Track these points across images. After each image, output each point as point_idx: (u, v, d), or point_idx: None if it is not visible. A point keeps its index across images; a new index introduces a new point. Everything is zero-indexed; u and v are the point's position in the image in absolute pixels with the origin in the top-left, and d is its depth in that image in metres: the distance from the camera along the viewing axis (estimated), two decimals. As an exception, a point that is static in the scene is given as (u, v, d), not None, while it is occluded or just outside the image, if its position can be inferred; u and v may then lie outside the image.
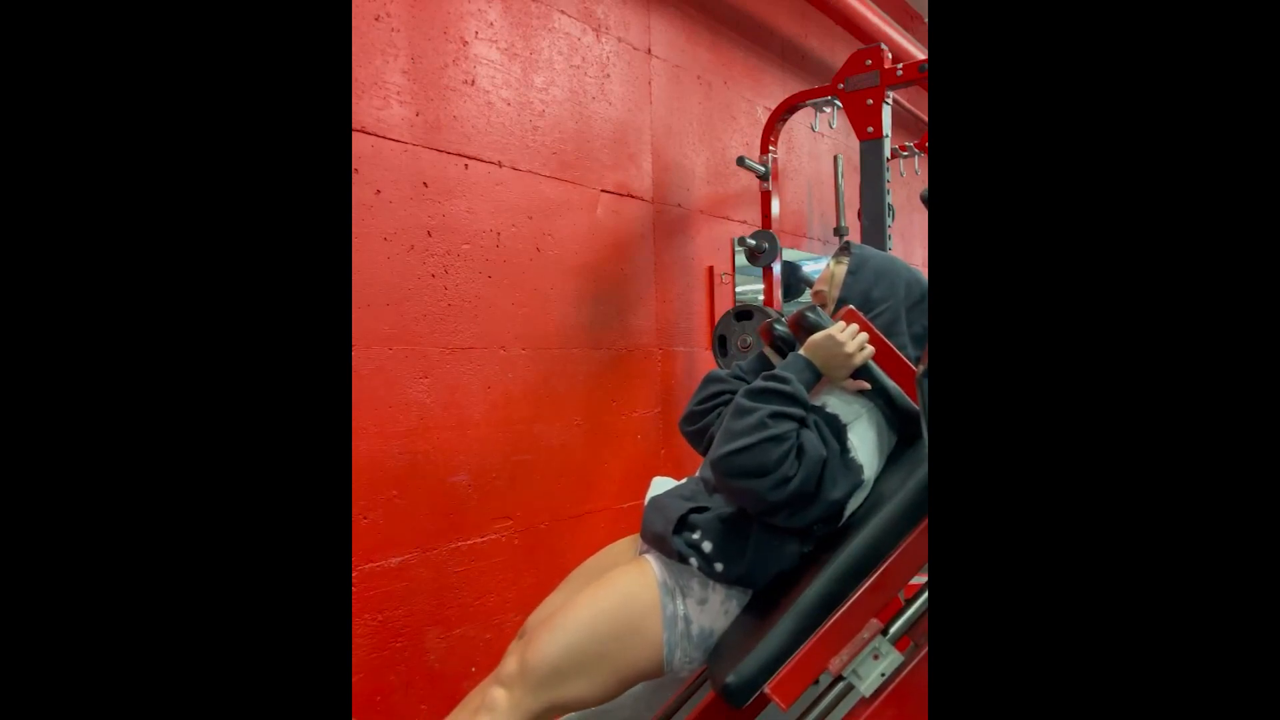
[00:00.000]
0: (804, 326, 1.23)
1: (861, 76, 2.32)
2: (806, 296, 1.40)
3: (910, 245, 4.22)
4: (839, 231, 2.88)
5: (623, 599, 1.15)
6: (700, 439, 1.39)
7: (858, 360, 1.18)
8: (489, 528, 1.99)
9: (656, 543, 1.21)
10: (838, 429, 1.17)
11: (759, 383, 1.15)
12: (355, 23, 1.68)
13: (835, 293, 1.33)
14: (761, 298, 2.60)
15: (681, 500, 1.24)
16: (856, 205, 2.46)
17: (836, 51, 3.45)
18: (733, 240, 2.80)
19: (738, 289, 2.82)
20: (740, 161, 2.58)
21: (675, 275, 2.61)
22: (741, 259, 2.74)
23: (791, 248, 3.14)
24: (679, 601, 1.15)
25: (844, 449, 1.16)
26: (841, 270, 1.34)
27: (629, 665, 1.13)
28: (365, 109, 1.71)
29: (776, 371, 1.17)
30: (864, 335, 1.19)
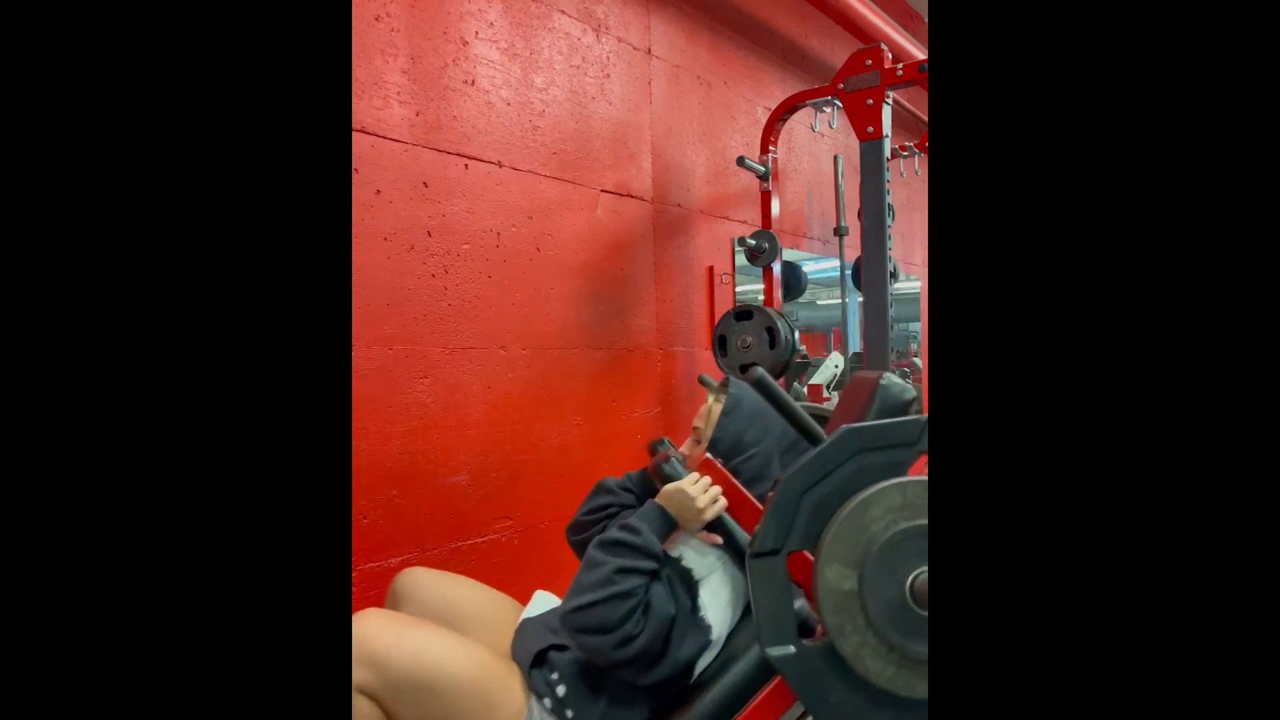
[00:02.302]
0: (661, 477, 1.22)
1: (861, 76, 2.31)
2: (711, 404, 1.35)
3: (910, 245, 4.22)
4: (839, 231, 2.89)
5: (495, 691, 1.13)
6: (584, 550, 1.36)
7: (708, 515, 1.16)
8: (489, 528, 1.99)
9: (521, 669, 1.20)
10: (690, 584, 1.16)
11: (612, 533, 1.14)
12: (355, 23, 1.68)
13: (709, 432, 1.30)
14: (761, 298, 2.60)
15: (547, 632, 1.23)
16: (856, 205, 2.46)
17: (836, 51, 3.45)
18: (733, 240, 2.80)
19: (738, 289, 2.82)
20: (740, 161, 2.58)
21: (675, 275, 2.61)
22: (741, 259, 2.74)
23: (791, 248, 3.14)
24: None
25: (694, 606, 1.15)
26: (718, 408, 1.32)
27: None
28: (365, 109, 1.71)
29: (630, 521, 1.16)
30: (717, 489, 1.18)
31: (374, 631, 1.10)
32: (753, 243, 2.55)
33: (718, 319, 2.54)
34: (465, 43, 1.93)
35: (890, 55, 2.33)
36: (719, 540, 1.19)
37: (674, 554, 1.20)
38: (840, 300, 3.08)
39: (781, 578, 0.84)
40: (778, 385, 1.21)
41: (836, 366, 3.34)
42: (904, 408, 1.29)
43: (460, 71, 1.91)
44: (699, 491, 1.16)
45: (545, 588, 1.51)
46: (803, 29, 3.34)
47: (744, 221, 2.91)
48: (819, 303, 3.46)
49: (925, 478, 0.81)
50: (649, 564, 1.12)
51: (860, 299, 2.40)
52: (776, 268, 2.58)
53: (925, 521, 0.80)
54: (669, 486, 1.19)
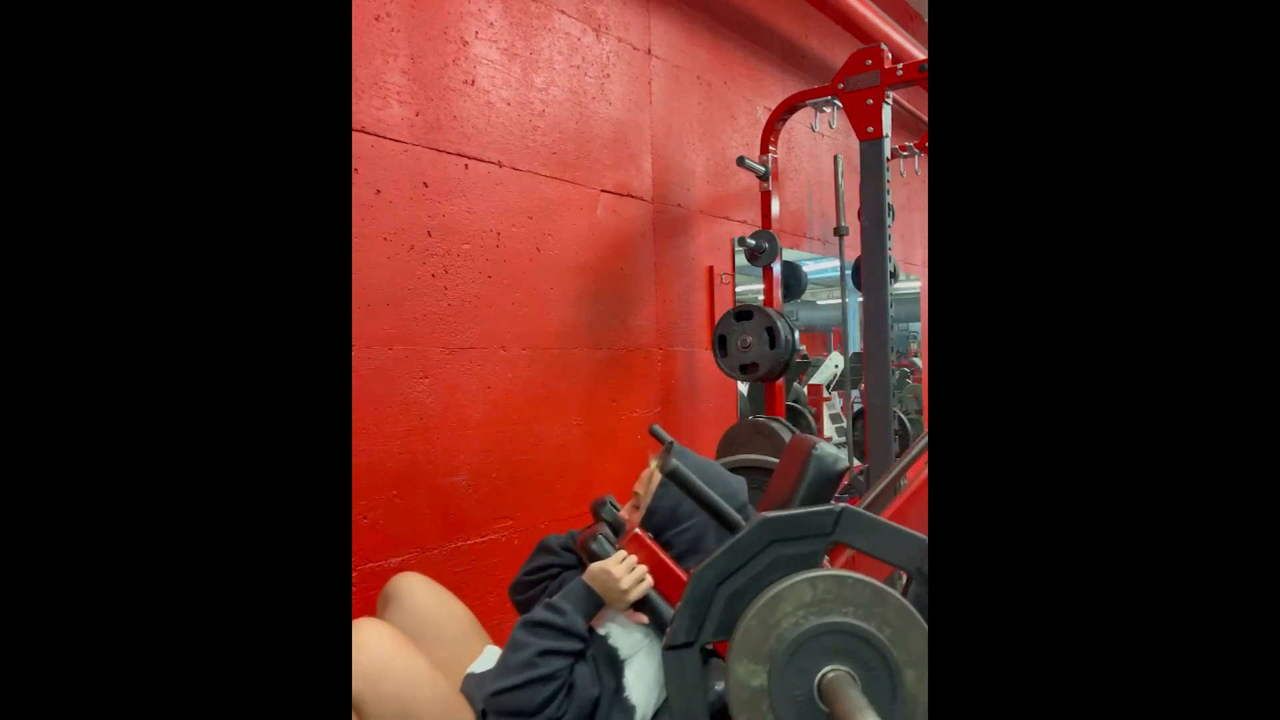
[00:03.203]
0: (588, 554, 1.22)
1: (861, 76, 2.32)
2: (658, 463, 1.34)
3: (910, 245, 4.22)
4: (839, 231, 2.88)
5: None
6: (526, 609, 1.37)
7: (632, 596, 1.15)
8: (489, 528, 1.99)
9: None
10: (615, 664, 1.16)
11: (537, 613, 1.15)
12: (355, 23, 1.68)
13: (647, 499, 1.28)
14: (761, 298, 2.60)
15: (487, 696, 1.23)
16: (856, 205, 2.46)
17: (836, 51, 3.45)
18: (733, 240, 2.80)
19: (738, 289, 2.82)
20: (740, 161, 2.58)
21: (675, 275, 2.61)
22: (741, 259, 2.74)
23: (791, 248, 3.14)
24: None
25: (619, 686, 1.15)
26: (658, 477, 1.30)
27: None
28: (365, 109, 1.71)
29: (555, 600, 1.16)
30: (642, 569, 1.17)
31: (373, 645, 1.11)
32: (753, 243, 2.55)
33: (718, 319, 2.55)
34: (465, 43, 1.93)
35: (890, 55, 2.33)
36: (645, 620, 1.19)
37: (601, 631, 1.20)
38: (840, 300, 3.08)
39: (694, 671, 0.85)
40: (693, 477, 1.21)
41: (836, 366, 3.35)
42: (835, 479, 1.29)
43: (460, 71, 1.91)
44: (624, 572, 1.16)
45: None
46: (803, 29, 3.34)
47: (744, 221, 2.92)
48: (819, 303, 3.46)
49: (837, 572, 0.81)
50: (573, 644, 1.12)
51: (860, 299, 2.40)
52: (776, 268, 2.58)
53: (835, 619, 0.80)
54: (594, 566, 1.18)
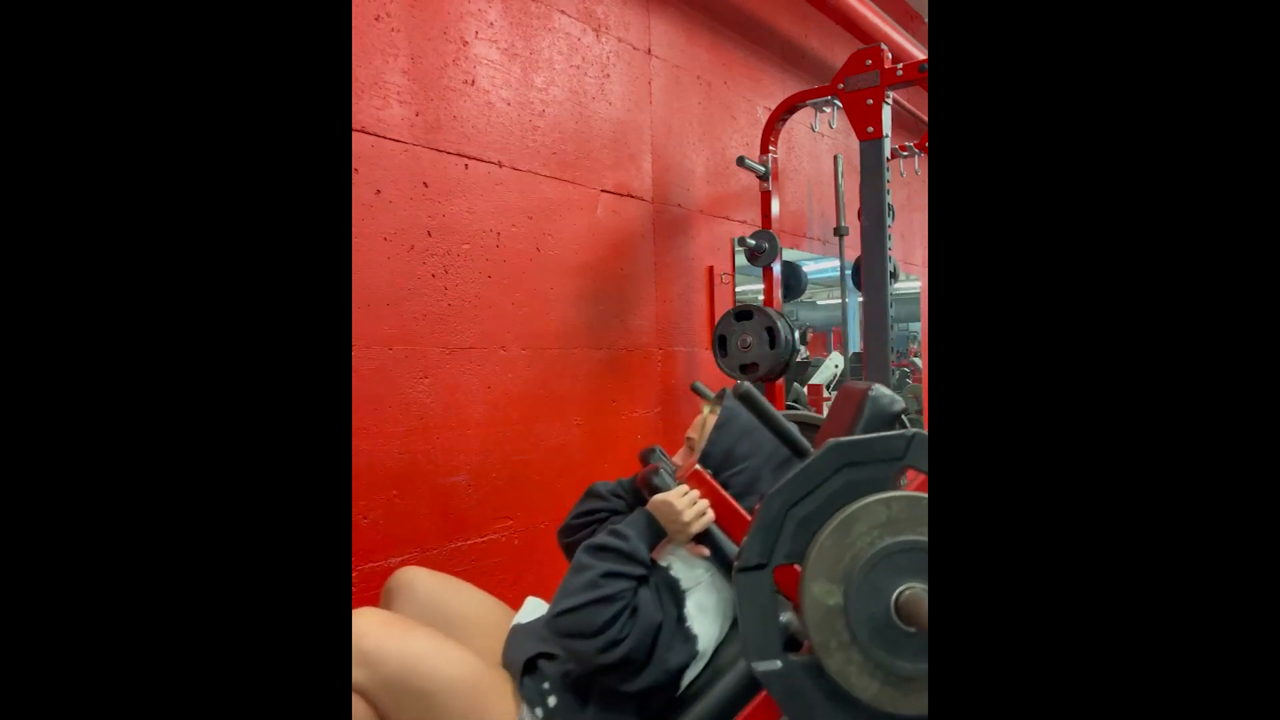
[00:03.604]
0: (649, 488, 1.22)
1: (861, 76, 2.31)
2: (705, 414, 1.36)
3: (910, 245, 4.22)
4: (839, 231, 2.89)
5: (485, 699, 1.13)
6: (573, 552, 1.38)
7: (694, 529, 1.15)
8: (489, 528, 1.99)
9: (512, 676, 1.20)
10: (677, 594, 1.16)
11: (600, 538, 1.14)
12: (355, 23, 1.68)
13: (701, 443, 1.30)
14: (761, 298, 2.60)
15: (536, 640, 1.23)
16: (856, 205, 2.46)
17: (836, 51, 3.45)
18: (733, 240, 2.80)
19: (738, 289, 2.82)
20: (740, 161, 2.58)
21: (675, 275, 2.61)
22: (741, 259, 2.74)
23: (791, 248, 3.14)
24: None
25: (681, 616, 1.15)
26: (712, 420, 1.32)
27: None
28: (365, 109, 1.71)
29: (619, 527, 1.16)
30: (704, 503, 1.18)
31: (367, 630, 1.10)
32: (753, 243, 2.55)
33: (718, 319, 2.54)
34: (465, 43, 1.93)
35: (890, 55, 2.33)
36: (707, 552, 1.19)
37: (662, 564, 1.20)
38: (840, 300, 3.08)
39: (767, 593, 0.85)
40: (765, 400, 1.21)
41: (836, 366, 3.34)
42: (892, 419, 1.29)
43: (460, 71, 1.91)
44: (686, 505, 1.16)
45: (545, 588, 1.51)
46: (803, 29, 3.34)
47: (744, 221, 2.91)
48: (819, 303, 3.46)
49: (911, 493, 0.81)
50: (636, 569, 1.12)
51: (860, 299, 2.40)
52: (776, 268, 2.58)
53: (910, 537, 0.80)
54: (656, 498, 1.18)
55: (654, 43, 2.54)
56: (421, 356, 1.82)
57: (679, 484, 1.21)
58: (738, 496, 1.22)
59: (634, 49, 2.47)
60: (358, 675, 1.07)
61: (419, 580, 1.37)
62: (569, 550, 1.38)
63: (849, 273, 2.92)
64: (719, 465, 1.26)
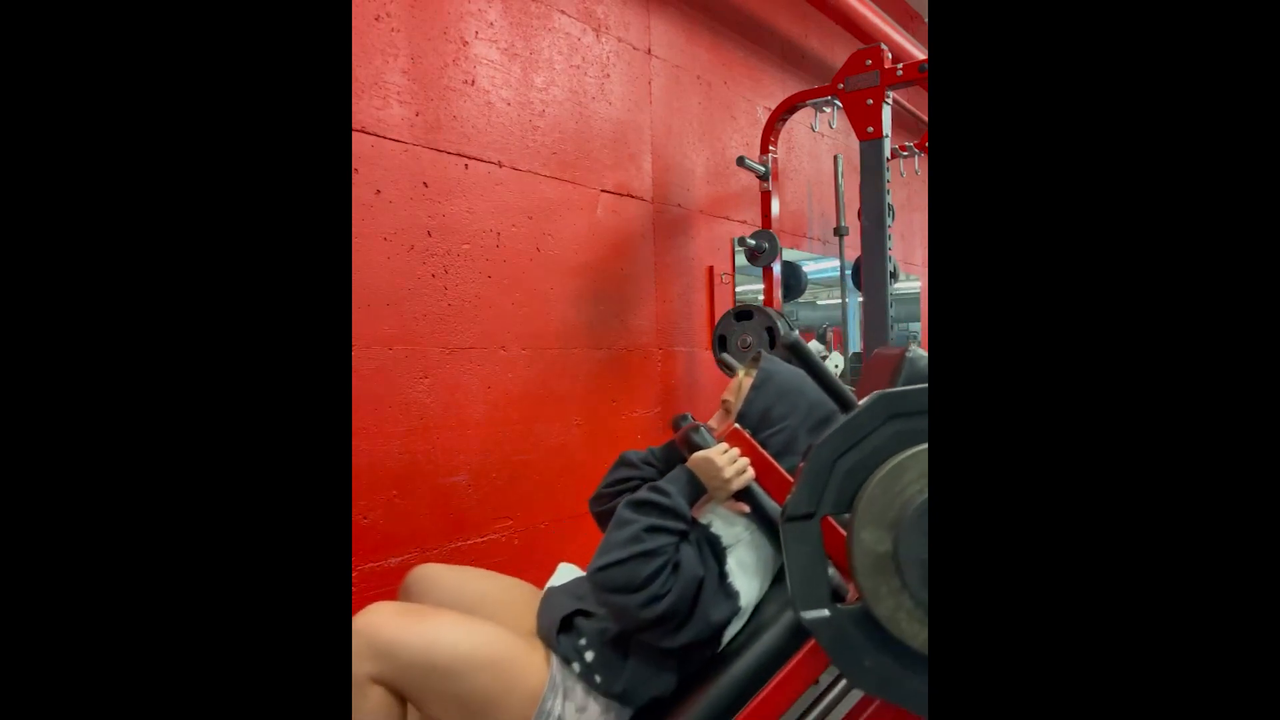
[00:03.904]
0: (689, 445, 1.22)
1: (861, 76, 2.32)
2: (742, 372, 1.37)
3: (910, 245, 4.22)
4: (839, 231, 2.89)
5: (514, 665, 1.13)
6: (606, 521, 1.37)
7: (735, 485, 1.16)
8: (489, 528, 1.99)
9: (546, 638, 1.20)
10: (718, 550, 1.16)
11: (641, 494, 1.15)
12: (355, 23, 1.68)
13: (738, 405, 1.31)
14: (761, 298, 2.60)
15: (572, 599, 1.23)
16: (856, 205, 2.46)
17: (836, 51, 3.45)
18: (733, 240, 2.80)
19: (738, 289, 2.82)
20: (740, 161, 2.58)
21: (675, 275, 2.61)
22: (741, 259, 2.74)
23: (791, 248, 3.14)
24: (559, 701, 1.13)
25: (722, 573, 1.15)
26: (748, 382, 1.33)
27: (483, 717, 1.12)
28: (365, 109, 1.71)
29: (660, 483, 1.16)
30: (745, 460, 1.18)
31: (382, 622, 1.10)
32: (753, 243, 2.55)
33: (718, 319, 2.55)
34: (465, 43, 1.93)
35: (890, 55, 2.33)
36: (746, 509, 1.19)
37: (702, 521, 1.20)
38: (840, 300, 3.09)
39: (815, 541, 0.84)
40: (811, 352, 1.21)
41: (836, 367, 3.34)
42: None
43: (460, 71, 1.91)
44: (727, 461, 1.16)
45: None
46: (803, 29, 3.34)
47: (744, 221, 2.91)
48: (819, 303, 3.46)
49: None
50: (678, 524, 1.12)
51: (860, 299, 2.39)
52: (776, 268, 2.58)
53: None
54: (697, 455, 1.18)
55: (654, 43, 2.54)
56: (421, 356, 1.82)
57: (719, 443, 1.21)
58: (775, 456, 1.23)
59: (634, 49, 2.47)
60: (379, 669, 1.07)
61: (437, 572, 1.37)
62: (600, 519, 1.39)
63: (849, 273, 2.92)
64: (756, 425, 1.27)
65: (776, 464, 1.21)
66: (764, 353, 1.36)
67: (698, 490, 1.17)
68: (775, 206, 2.63)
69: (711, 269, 2.76)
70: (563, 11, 2.20)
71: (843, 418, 0.86)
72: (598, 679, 1.13)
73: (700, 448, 1.20)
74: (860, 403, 0.86)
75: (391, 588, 1.74)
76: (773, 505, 1.18)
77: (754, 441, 1.22)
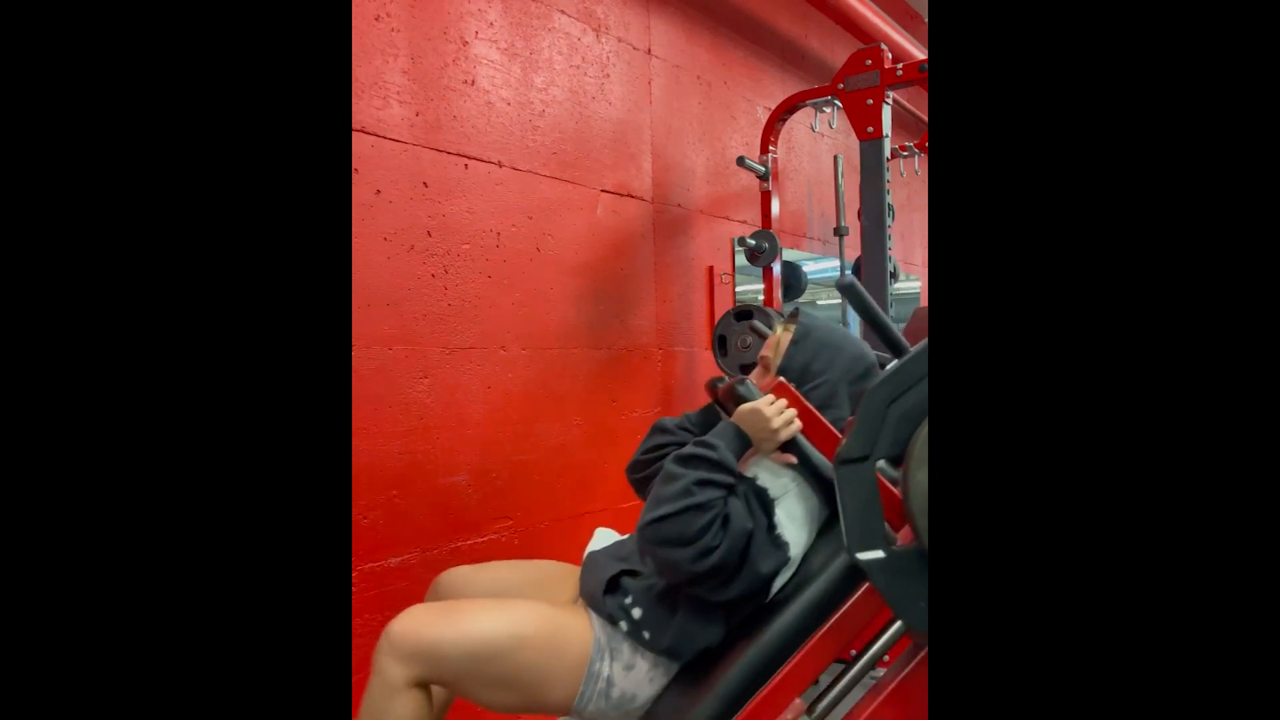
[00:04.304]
0: (735, 398, 1.23)
1: (861, 76, 2.32)
2: (780, 328, 1.39)
3: (910, 245, 4.22)
4: (839, 231, 2.89)
5: (556, 635, 1.14)
6: (645, 488, 1.38)
7: (783, 435, 1.17)
8: (489, 528, 1.99)
9: (591, 600, 1.21)
10: (766, 503, 1.17)
11: (688, 449, 1.15)
12: (355, 23, 1.68)
13: (778, 360, 1.32)
14: (761, 298, 2.60)
15: (616, 560, 1.24)
16: (856, 205, 2.46)
17: (836, 51, 3.45)
18: (733, 240, 2.80)
19: (738, 289, 2.82)
20: (740, 161, 2.58)
21: (675, 275, 2.61)
22: (741, 259, 2.74)
23: (791, 248, 3.14)
24: (606, 662, 1.14)
25: (771, 525, 1.15)
26: (787, 338, 1.34)
27: (533, 696, 1.13)
28: (365, 109, 1.71)
29: (706, 438, 1.17)
30: (792, 411, 1.19)
31: (418, 624, 1.10)
32: (753, 243, 2.55)
33: (718, 319, 2.55)
34: (465, 43, 1.93)
35: (890, 55, 2.33)
36: (793, 460, 1.19)
37: (749, 474, 1.20)
38: (840, 300, 3.08)
39: (869, 483, 0.84)
40: (865, 292, 1.22)
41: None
42: None
43: (460, 71, 1.91)
44: (774, 412, 1.17)
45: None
46: (803, 29, 3.34)
47: (744, 221, 2.91)
48: (819, 303, 3.46)
49: None
50: (726, 478, 1.12)
51: (860, 299, 2.39)
52: (776, 268, 2.58)
53: None
54: (744, 407, 1.19)
55: (654, 43, 2.54)
56: (421, 356, 1.82)
57: (764, 395, 1.22)
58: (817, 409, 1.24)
59: (634, 49, 2.47)
60: (422, 671, 1.08)
61: (464, 572, 1.38)
62: (638, 486, 1.40)
63: (849, 273, 2.92)
64: (797, 379, 1.28)
65: (820, 416, 1.22)
66: (801, 308, 1.37)
67: (743, 444, 1.18)
68: (775, 206, 2.63)
69: (711, 269, 2.76)
70: (563, 11, 2.20)
71: (896, 362, 0.86)
72: (646, 635, 1.14)
73: (746, 399, 1.20)
74: (912, 349, 0.86)
75: (392, 588, 1.74)
76: (819, 456, 1.19)
77: (798, 394, 1.23)
